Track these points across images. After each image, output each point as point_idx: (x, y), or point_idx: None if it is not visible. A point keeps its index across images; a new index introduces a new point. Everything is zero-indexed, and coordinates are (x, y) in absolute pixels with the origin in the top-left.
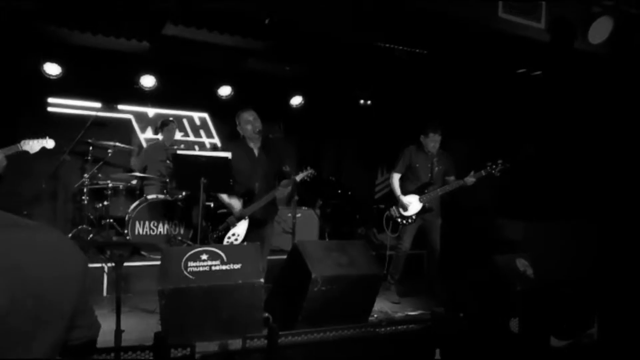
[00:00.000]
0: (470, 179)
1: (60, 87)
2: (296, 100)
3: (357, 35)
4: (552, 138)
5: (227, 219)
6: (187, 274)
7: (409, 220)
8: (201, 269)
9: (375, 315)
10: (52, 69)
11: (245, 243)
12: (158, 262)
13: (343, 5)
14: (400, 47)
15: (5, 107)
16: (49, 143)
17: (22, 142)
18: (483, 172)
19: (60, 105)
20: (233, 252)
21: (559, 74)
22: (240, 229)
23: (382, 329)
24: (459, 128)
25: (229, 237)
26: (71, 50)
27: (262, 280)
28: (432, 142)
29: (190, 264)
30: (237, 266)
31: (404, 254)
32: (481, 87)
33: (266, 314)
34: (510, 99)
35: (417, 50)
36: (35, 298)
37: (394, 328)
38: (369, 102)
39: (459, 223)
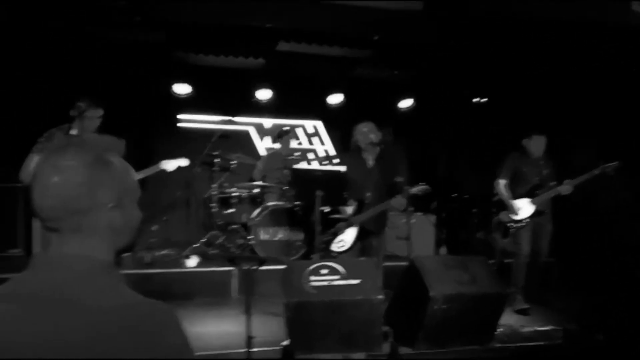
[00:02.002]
0: (565, 187)
1: (188, 104)
2: (406, 103)
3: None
4: None
5: (336, 225)
6: (309, 288)
7: (522, 224)
8: (322, 283)
9: (500, 329)
10: (181, 89)
11: (363, 258)
12: (280, 266)
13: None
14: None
15: (143, 126)
16: (184, 162)
17: (161, 163)
18: (586, 176)
19: (188, 120)
20: (352, 267)
21: None
22: (348, 236)
23: (509, 345)
24: (582, 128)
25: (336, 243)
26: (196, 71)
27: (381, 296)
28: (537, 143)
29: (312, 278)
30: (356, 282)
31: (524, 259)
32: (611, 85)
33: (386, 328)
34: None
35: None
36: None
37: (520, 345)
38: (483, 99)
39: (595, 228)
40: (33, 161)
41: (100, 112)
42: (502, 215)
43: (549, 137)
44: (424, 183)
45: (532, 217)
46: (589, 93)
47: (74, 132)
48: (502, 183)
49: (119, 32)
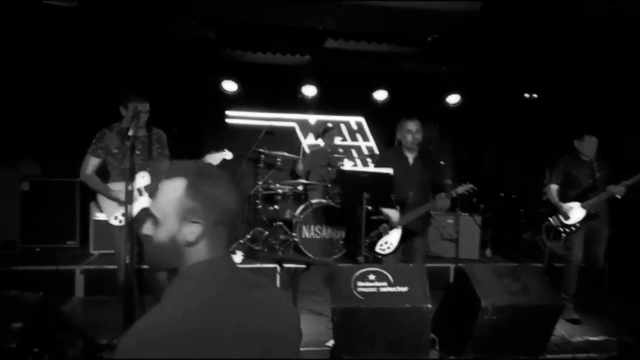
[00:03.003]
0: (617, 189)
1: (235, 100)
2: (453, 99)
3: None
4: None
5: (380, 226)
6: (357, 294)
7: (572, 229)
8: (369, 289)
9: (550, 339)
10: (229, 86)
11: (412, 265)
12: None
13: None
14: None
15: (191, 122)
16: (228, 155)
17: (206, 156)
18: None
19: (235, 117)
20: (399, 273)
21: None
22: (393, 238)
23: (561, 356)
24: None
25: (381, 245)
26: (244, 68)
27: (429, 305)
28: (589, 144)
29: (359, 284)
30: (404, 289)
31: (576, 266)
32: None
33: (432, 336)
34: None
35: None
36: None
37: (572, 356)
38: (534, 95)
39: None
40: (90, 162)
41: (148, 105)
42: (553, 219)
43: (602, 137)
44: (468, 182)
45: (583, 221)
46: None
47: (131, 132)
48: (553, 188)
49: (171, 30)
